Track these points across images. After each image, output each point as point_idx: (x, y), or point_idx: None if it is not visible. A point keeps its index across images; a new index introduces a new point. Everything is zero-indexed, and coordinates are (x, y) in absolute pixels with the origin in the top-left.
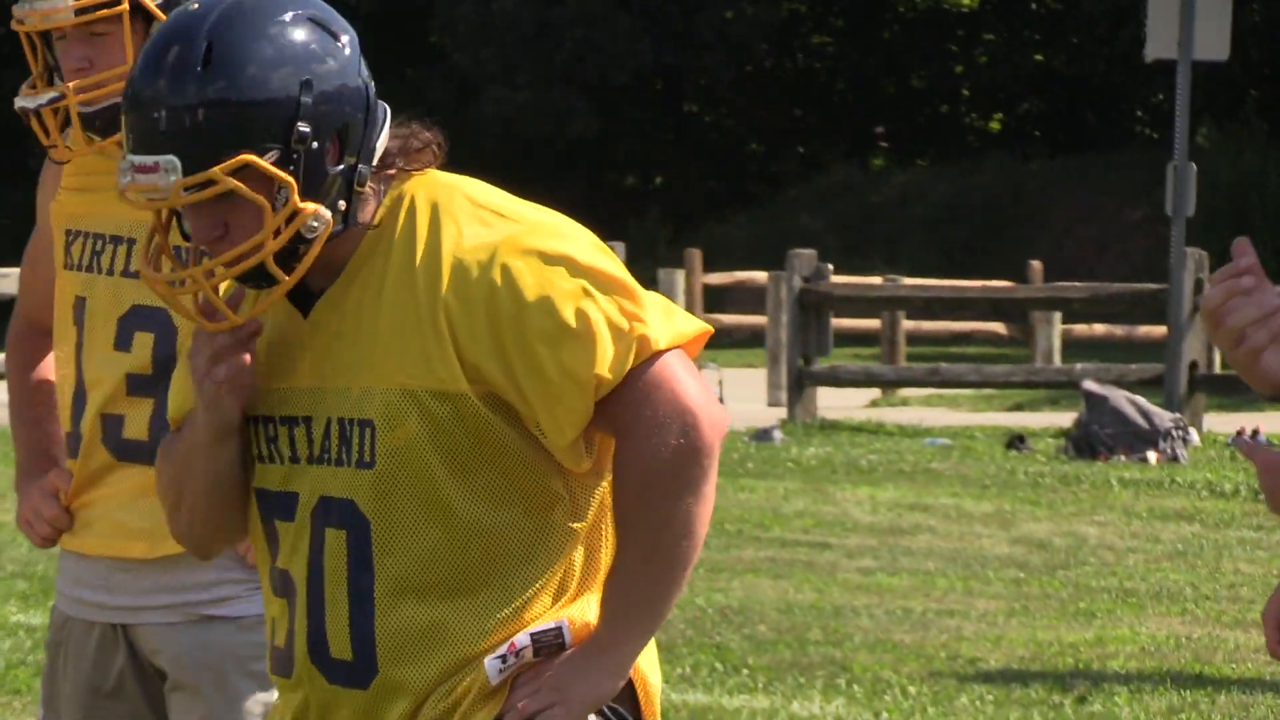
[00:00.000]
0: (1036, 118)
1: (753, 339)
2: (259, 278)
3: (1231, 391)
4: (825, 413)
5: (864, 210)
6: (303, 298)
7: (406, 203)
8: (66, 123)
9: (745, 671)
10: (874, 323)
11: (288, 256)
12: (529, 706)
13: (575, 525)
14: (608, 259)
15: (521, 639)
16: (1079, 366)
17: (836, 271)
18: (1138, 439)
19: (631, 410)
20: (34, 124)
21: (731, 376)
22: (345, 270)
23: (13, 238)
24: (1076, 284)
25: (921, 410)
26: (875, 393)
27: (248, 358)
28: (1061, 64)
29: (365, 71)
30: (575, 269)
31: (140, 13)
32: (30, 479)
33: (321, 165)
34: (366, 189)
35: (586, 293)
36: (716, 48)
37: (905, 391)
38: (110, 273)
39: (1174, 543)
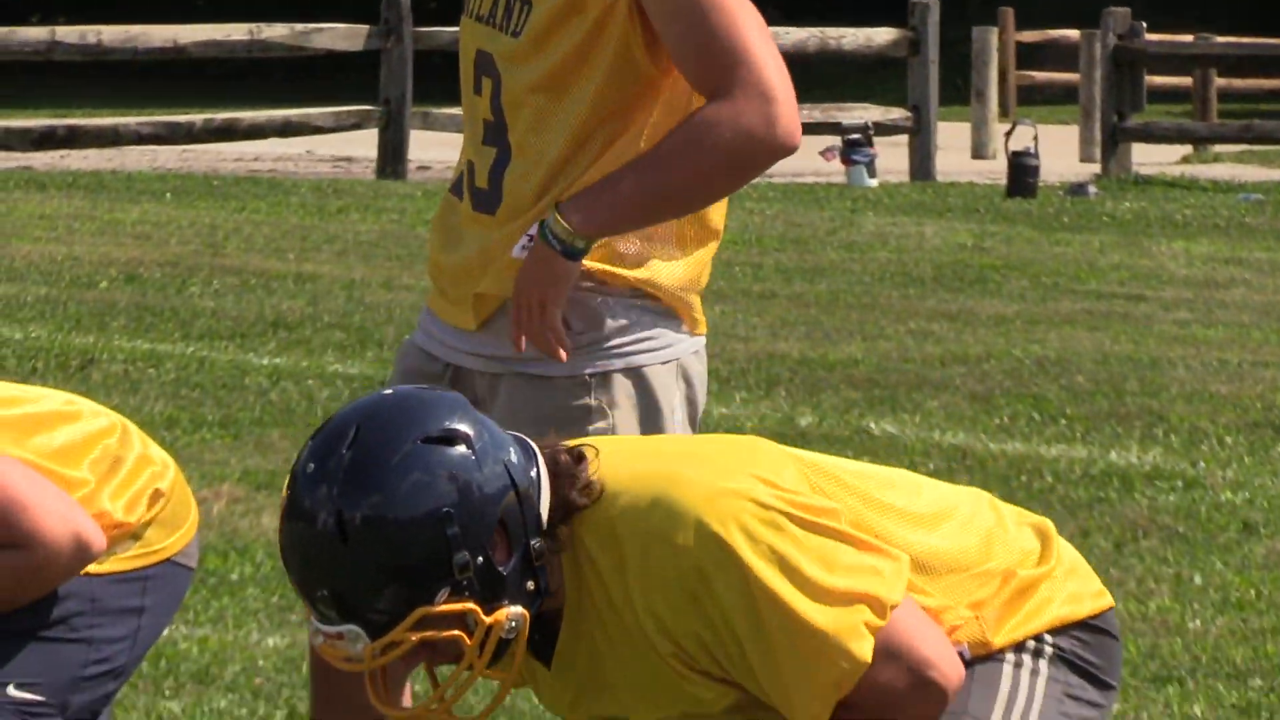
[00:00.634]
0: None
1: (1065, 96)
2: None
3: None
4: (1138, 169)
5: None
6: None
7: (584, 550)
8: None
9: (1063, 421)
10: (1186, 80)
11: (499, 650)
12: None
13: None
14: (812, 519)
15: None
16: None
17: (1149, 30)
18: None
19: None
20: None
21: (1044, 132)
22: (564, 626)
23: None
24: None
25: (1234, 166)
26: (1187, 149)
27: None
28: None
29: (503, 442)
30: (784, 566)
31: None
32: None
33: (494, 571)
34: (546, 555)
35: (810, 596)
36: None
37: (1218, 148)
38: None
39: None
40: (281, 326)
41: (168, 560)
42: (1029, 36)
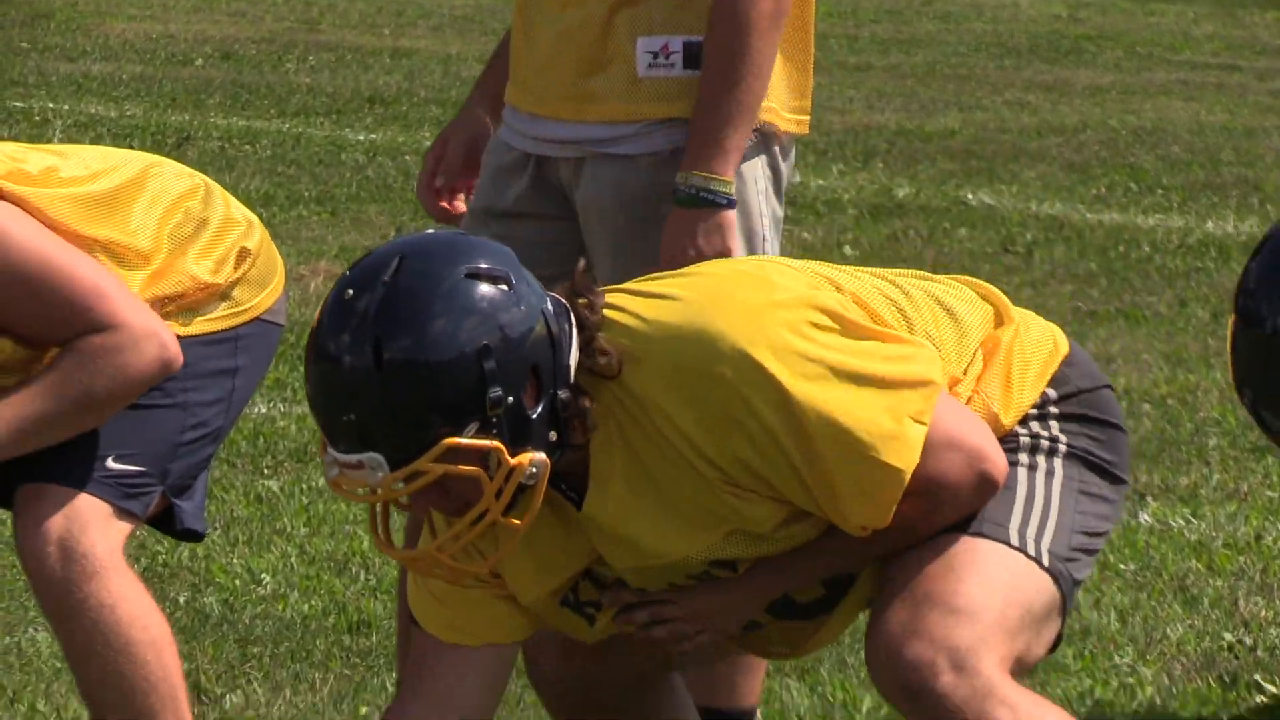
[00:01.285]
0: None
1: None
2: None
3: None
4: None
5: None
6: (561, 486)
7: (614, 393)
8: None
9: (1159, 191)
10: None
11: (515, 497)
12: None
13: None
14: (832, 323)
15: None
16: None
17: None
18: None
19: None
20: None
21: None
22: (592, 472)
23: None
24: None
25: None
26: None
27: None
28: None
29: (540, 292)
30: (832, 369)
31: None
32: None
33: (523, 414)
34: (572, 407)
35: (854, 395)
36: None
37: None
38: None
39: None
40: (377, 102)
41: (257, 319)
42: None
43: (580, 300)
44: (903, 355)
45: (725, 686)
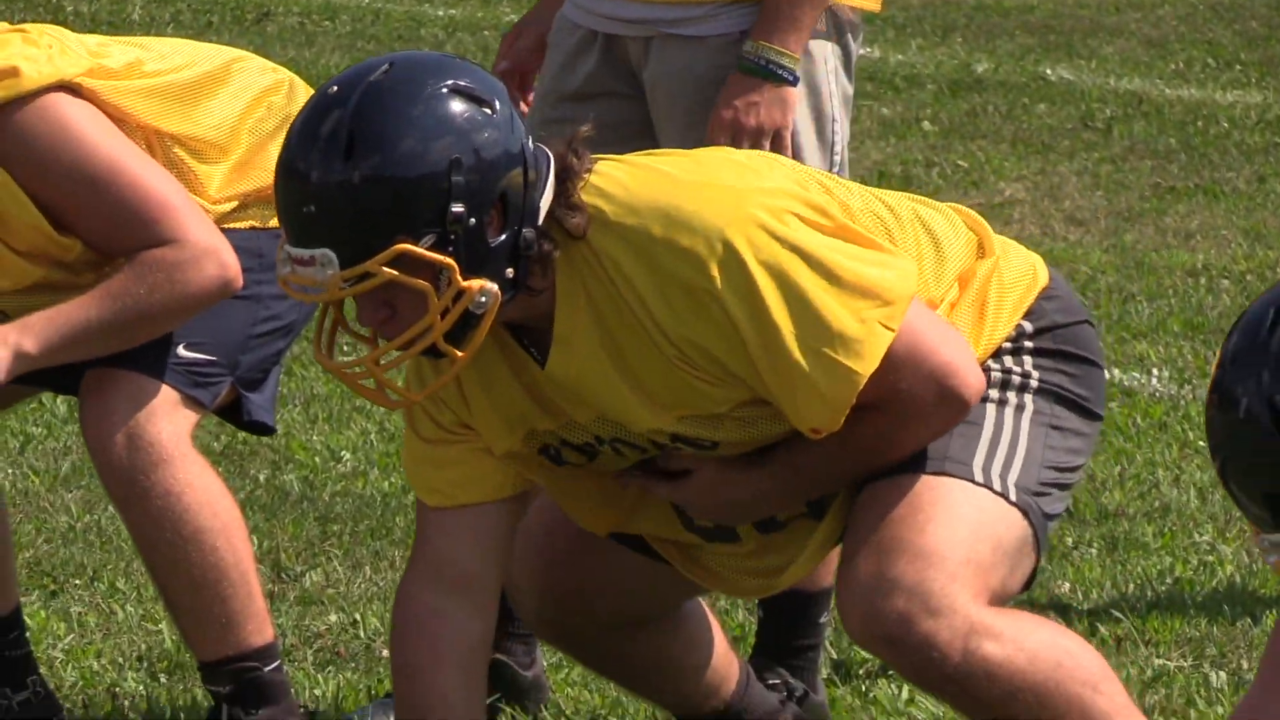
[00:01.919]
0: None
1: None
2: (435, 352)
3: None
4: None
5: None
6: (524, 342)
7: (584, 253)
8: None
9: (1238, 67)
10: None
11: (462, 328)
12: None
13: None
14: (811, 218)
15: None
16: None
17: None
18: None
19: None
20: None
21: None
22: (556, 330)
23: None
24: None
25: None
26: None
27: None
28: None
29: (521, 129)
30: (799, 260)
31: None
32: None
33: (483, 240)
34: (535, 248)
35: (821, 292)
36: None
37: None
38: None
39: None
40: None
41: None
42: None
43: (568, 155)
44: (879, 260)
45: None
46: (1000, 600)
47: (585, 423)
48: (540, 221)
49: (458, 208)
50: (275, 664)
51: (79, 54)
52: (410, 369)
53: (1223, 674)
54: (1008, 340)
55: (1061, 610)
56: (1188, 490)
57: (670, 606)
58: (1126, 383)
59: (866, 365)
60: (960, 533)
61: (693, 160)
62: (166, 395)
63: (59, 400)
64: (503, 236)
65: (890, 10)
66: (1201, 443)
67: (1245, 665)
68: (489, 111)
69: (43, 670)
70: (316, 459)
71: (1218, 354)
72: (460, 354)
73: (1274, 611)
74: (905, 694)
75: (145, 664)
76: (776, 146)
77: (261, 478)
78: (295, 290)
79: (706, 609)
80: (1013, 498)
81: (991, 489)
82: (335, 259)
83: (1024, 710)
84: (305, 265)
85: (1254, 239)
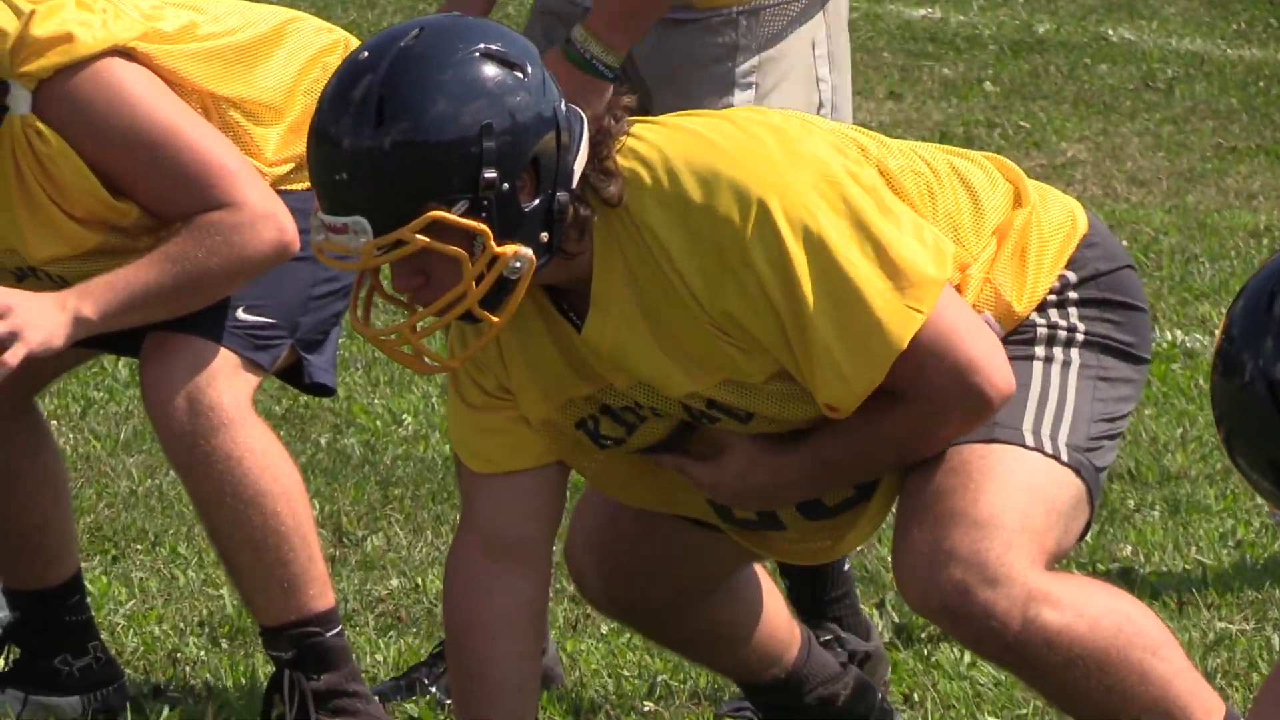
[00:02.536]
0: None
1: None
2: (471, 317)
3: None
4: None
5: None
6: (563, 307)
7: (620, 217)
8: None
9: None
10: None
11: (497, 293)
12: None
13: None
14: (848, 190)
15: None
16: None
17: None
18: None
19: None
20: None
21: None
22: (593, 294)
23: None
24: None
25: None
26: None
27: None
28: None
29: (554, 92)
30: (826, 245)
31: None
32: None
33: (516, 205)
34: (570, 212)
35: (850, 275)
36: None
37: None
38: None
39: None
40: None
41: None
42: None
43: (605, 118)
44: (914, 236)
45: None
46: (1057, 561)
47: (623, 388)
48: (574, 185)
49: (490, 173)
50: (337, 629)
51: (133, 18)
52: (452, 333)
53: None
54: (1051, 293)
55: (1123, 573)
56: None
57: (730, 575)
58: (1189, 344)
59: (891, 347)
60: (1014, 500)
61: (731, 123)
62: (226, 359)
63: (120, 364)
64: (536, 201)
65: None
66: None
67: None
68: (520, 75)
69: (104, 636)
70: (378, 422)
71: (1222, 322)
72: (496, 319)
73: None
74: (967, 658)
75: (207, 629)
76: None
77: (323, 441)
78: (330, 258)
79: (768, 578)
80: (1064, 458)
81: (1043, 451)
82: (368, 226)
83: (1084, 677)
84: (338, 233)
85: None
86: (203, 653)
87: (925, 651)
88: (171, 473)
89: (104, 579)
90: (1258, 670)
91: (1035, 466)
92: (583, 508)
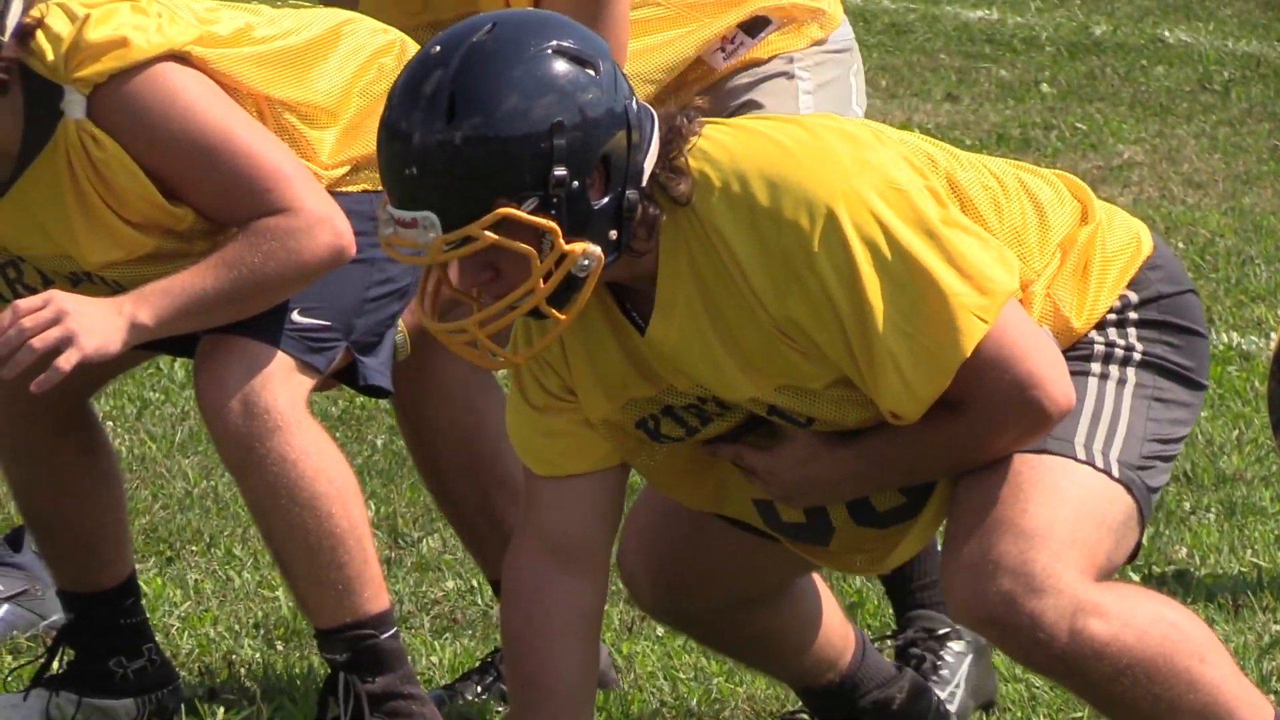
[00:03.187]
0: None
1: None
2: (538, 314)
3: None
4: None
5: None
6: (626, 307)
7: (688, 217)
8: None
9: None
10: None
11: (564, 290)
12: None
13: None
14: (916, 198)
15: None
16: None
17: None
18: None
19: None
20: None
21: None
22: (658, 294)
23: None
24: None
25: None
26: None
27: None
28: None
29: (626, 89)
30: (895, 246)
31: None
32: None
33: (585, 202)
34: (639, 211)
35: (914, 281)
36: None
37: None
38: None
39: None
40: None
41: None
42: None
43: (677, 117)
44: (980, 248)
45: None
46: (1106, 577)
47: (685, 389)
48: (644, 183)
49: (560, 170)
50: (391, 631)
51: (188, 22)
52: (518, 330)
53: None
54: (1112, 311)
55: (1178, 576)
56: None
57: (783, 584)
58: (1244, 346)
59: (955, 356)
60: (1063, 512)
61: (803, 128)
62: (281, 361)
63: (176, 365)
64: (606, 199)
65: None
66: None
67: None
68: (592, 72)
69: (159, 638)
70: None
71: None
72: (563, 316)
73: None
74: None
75: (262, 631)
76: None
77: (379, 443)
78: (398, 252)
79: (821, 583)
80: (1115, 474)
81: (1094, 465)
82: (437, 222)
83: (1132, 686)
84: (407, 227)
85: None
86: (258, 655)
87: None
88: (227, 474)
89: (159, 581)
90: None
91: (1086, 480)
92: (636, 514)
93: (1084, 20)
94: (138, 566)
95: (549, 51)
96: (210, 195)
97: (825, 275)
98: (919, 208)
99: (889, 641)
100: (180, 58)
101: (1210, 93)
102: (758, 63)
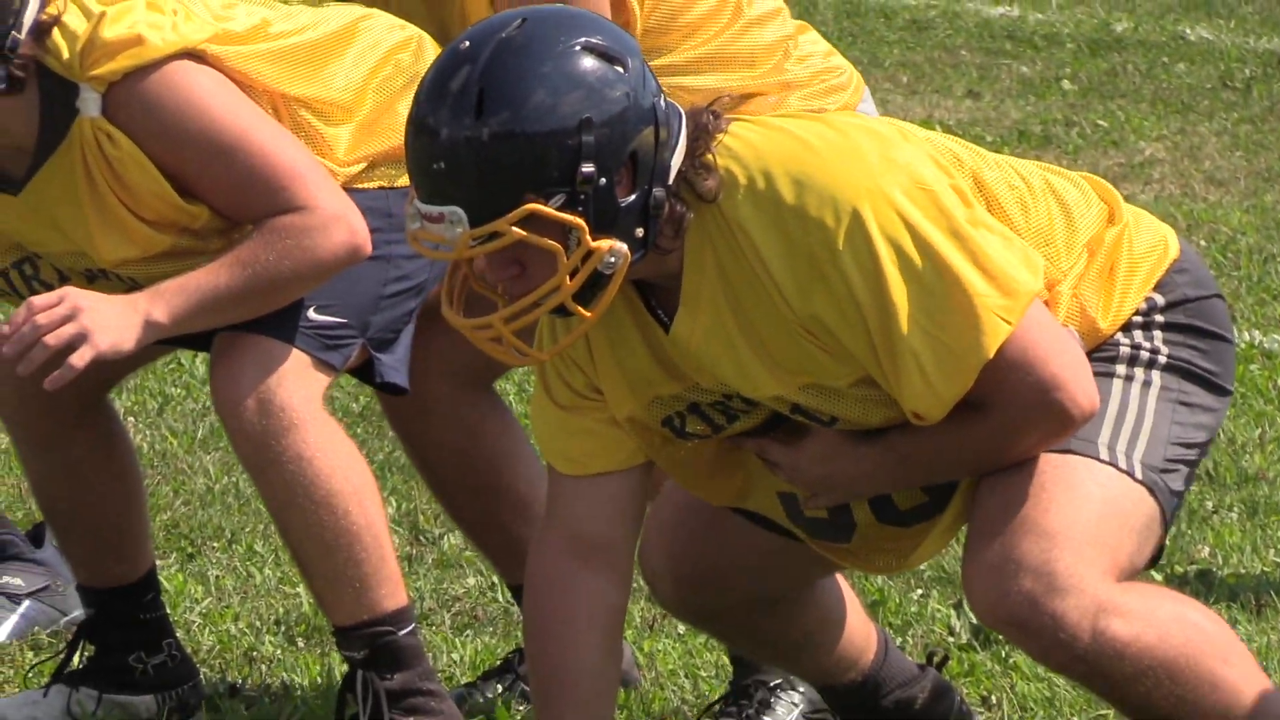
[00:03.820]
0: None
1: None
2: (563, 310)
3: None
4: None
5: None
6: (651, 304)
7: (713, 215)
8: None
9: None
10: None
11: (590, 287)
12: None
13: None
14: (943, 198)
15: None
16: None
17: None
18: None
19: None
20: None
21: None
22: (683, 291)
23: None
24: None
25: None
26: None
27: None
28: None
29: (654, 87)
30: (920, 243)
31: None
32: None
33: (612, 200)
34: (665, 209)
35: (939, 278)
36: None
37: None
38: None
39: None
40: None
41: None
42: None
43: (704, 115)
44: (1005, 248)
45: None
46: (1128, 579)
47: (710, 386)
48: (671, 181)
49: (588, 167)
50: (410, 627)
51: (204, 19)
52: (543, 327)
53: None
54: (1138, 314)
55: (1201, 575)
56: None
57: (804, 583)
58: (1267, 345)
59: (978, 357)
60: (1086, 511)
61: (829, 126)
62: (297, 359)
63: (198, 360)
64: (633, 196)
65: None
66: None
67: None
68: (621, 69)
69: (180, 633)
70: None
71: None
72: (589, 314)
73: None
74: None
75: (283, 627)
76: None
77: None
78: (425, 247)
79: (843, 582)
80: (1138, 475)
81: (1117, 466)
82: (464, 217)
83: (1155, 687)
84: (434, 222)
85: None
86: (279, 651)
87: (1003, 653)
88: None
89: (180, 576)
90: None
91: (1109, 481)
92: (659, 510)
93: (1105, 17)
94: (159, 563)
95: (578, 48)
96: (225, 193)
97: (850, 274)
98: (945, 207)
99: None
100: (195, 55)
101: (1232, 90)
102: None
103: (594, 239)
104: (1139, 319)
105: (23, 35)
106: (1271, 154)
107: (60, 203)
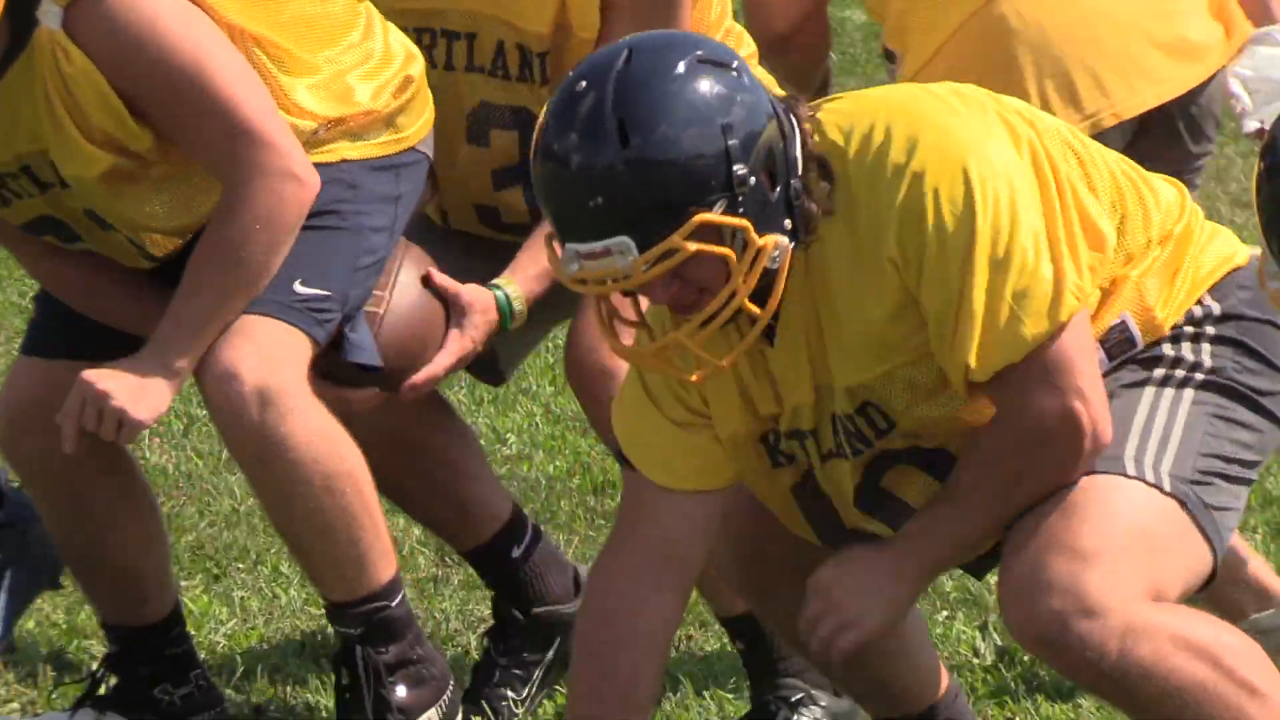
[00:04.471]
0: None
1: None
2: (738, 313)
3: None
4: None
5: None
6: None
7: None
8: None
9: None
10: None
11: (757, 292)
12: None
13: None
14: (1015, 207)
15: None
16: None
17: None
18: None
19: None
20: None
21: None
22: (791, 280)
23: None
24: None
25: None
26: None
27: None
28: None
29: (759, 84)
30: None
31: None
32: None
33: (765, 198)
34: (804, 196)
35: (995, 276)
36: None
37: None
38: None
39: None
40: None
41: (413, 148)
42: None
43: (793, 101)
44: (1085, 240)
45: None
46: (1165, 595)
47: (801, 404)
48: (800, 171)
49: (740, 169)
50: (400, 596)
51: None
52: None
53: None
54: (1190, 322)
55: None
56: None
57: None
58: None
59: (1033, 327)
60: (1114, 530)
61: (928, 93)
62: (291, 338)
63: None
64: (777, 190)
65: None
66: None
67: None
68: (734, 73)
69: (204, 655)
70: (481, 441)
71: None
72: (761, 311)
73: None
74: (1070, 681)
75: (308, 648)
76: None
77: None
78: (591, 286)
79: (916, 619)
80: (1166, 487)
81: (1144, 480)
82: (632, 245)
83: (1181, 708)
84: (599, 257)
85: None
86: (304, 672)
87: (1028, 675)
88: None
89: (205, 598)
90: None
91: (1137, 496)
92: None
93: None
94: (184, 583)
95: (694, 61)
96: (177, 120)
97: (946, 226)
98: (1043, 170)
99: None
100: None
101: None
102: None
103: (759, 237)
104: (1189, 328)
105: None
106: None
107: (24, 109)
